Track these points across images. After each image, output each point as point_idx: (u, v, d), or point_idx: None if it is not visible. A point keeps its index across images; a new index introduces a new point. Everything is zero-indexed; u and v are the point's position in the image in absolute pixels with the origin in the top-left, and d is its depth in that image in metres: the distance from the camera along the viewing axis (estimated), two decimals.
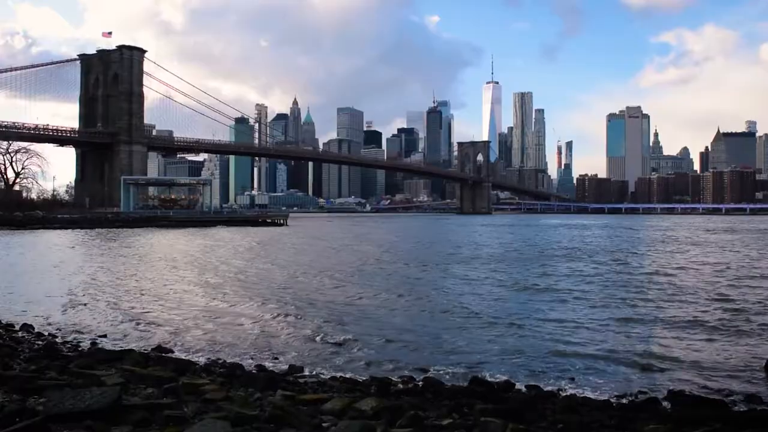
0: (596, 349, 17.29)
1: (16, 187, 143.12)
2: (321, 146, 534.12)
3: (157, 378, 11.59)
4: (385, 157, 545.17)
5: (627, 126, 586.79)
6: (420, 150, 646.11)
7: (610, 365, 15.55)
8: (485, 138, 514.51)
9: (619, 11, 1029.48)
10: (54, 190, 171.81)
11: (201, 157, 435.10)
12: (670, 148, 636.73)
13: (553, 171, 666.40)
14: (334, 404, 10.18)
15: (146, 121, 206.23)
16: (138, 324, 21.07)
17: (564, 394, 12.93)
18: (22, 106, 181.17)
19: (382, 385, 12.89)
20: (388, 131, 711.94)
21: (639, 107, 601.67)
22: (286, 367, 15.09)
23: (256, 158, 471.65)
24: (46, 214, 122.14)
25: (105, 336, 18.84)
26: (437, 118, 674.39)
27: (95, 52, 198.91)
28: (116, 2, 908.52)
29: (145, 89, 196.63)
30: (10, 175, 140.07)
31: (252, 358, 16.14)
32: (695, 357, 16.37)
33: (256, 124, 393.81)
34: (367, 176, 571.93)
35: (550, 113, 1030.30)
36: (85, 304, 25.35)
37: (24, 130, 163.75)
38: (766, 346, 17.47)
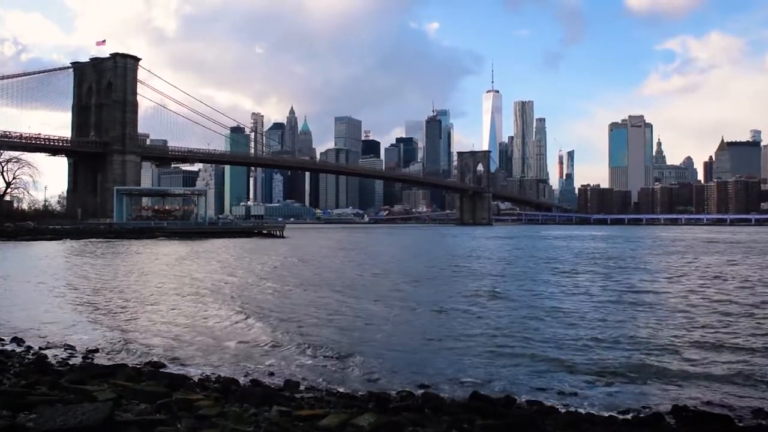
0: (599, 363, 17.27)
1: (7, 198, 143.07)
2: (318, 156, 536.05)
3: (150, 393, 11.56)
4: (384, 167, 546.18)
5: (630, 135, 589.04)
6: (419, 160, 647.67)
7: (613, 380, 15.53)
8: (485, 147, 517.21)
9: (623, 18, 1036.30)
10: (46, 201, 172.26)
11: (196, 167, 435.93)
12: (673, 158, 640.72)
13: (554, 181, 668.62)
14: (331, 420, 10.16)
15: (140, 130, 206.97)
16: (131, 338, 21.02)
17: (566, 410, 12.92)
18: (12, 114, 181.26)
19: (380, 400, 12.88)
20: (386, 141, 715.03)
21: (641, 116, 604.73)
22: (281, 382, 15.05)
23: (252, 168, 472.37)
24: (38, 224, 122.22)
25: (97, 350, 18.78)
26: (436, 127, 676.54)
27: (88, 60, 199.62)
28: (107, 9, 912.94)
29: (138, 98, 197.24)
30: (1, 185, 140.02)
31: (247, 374, 16.09)
32: (699, 371, 16.36)
33: (252, 134, 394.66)
34: (365, 187, 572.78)
35: (551, 122, 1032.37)
36: (76, 318, 25.30)
37: (15, 140, 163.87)
38: None
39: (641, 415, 12.60)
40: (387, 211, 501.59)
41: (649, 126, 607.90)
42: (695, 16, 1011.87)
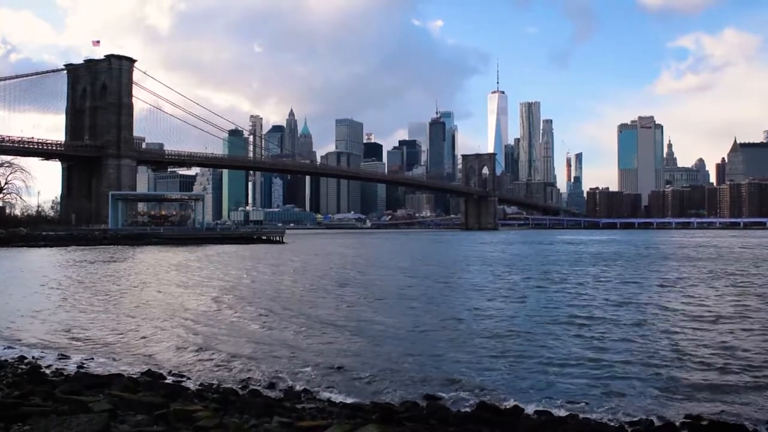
0: (609, 372, 17.23)
1: None
2: (319, 159, 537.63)
3: (147, 404, 11.56)
4: (386, 171, 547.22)
5: (639, 137, 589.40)
6: (422, 163, 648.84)
7: (624, 389, 15.48)
8: (491, 150, 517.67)
9: (635, 14, 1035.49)
10: (39, 206, 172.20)
11: (193, 171, 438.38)
12: (684, 160, 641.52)
13: (562, 184, 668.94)
14: (333, 431, 10.15)
15: (135, 133, 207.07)
16: (126, 347, 21.04)
17: (576, 420, 12.87)
18: (1, 117, 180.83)
19: (385, 411, 12.85)
20: (389, 143, 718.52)
21: (651, 117, 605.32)
22: (282, 392, 15.04)
23: (251, 172, 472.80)
24: (30, 231, 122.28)
25: (92, 359, 18.80)
26: (440, 129, 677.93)
27: (82, 61, 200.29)
28: (99, 7, 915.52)
29: (133, 100, 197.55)
30: None
31: (247, 384, 16.06)
32: (713, 380, 16.31)
33: (251, 137, 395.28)
34: (367, 191, 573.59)
35: (558, 124, 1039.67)
36: (70, 327, 25.28)
37: (7, 143, 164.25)
38: None
39: (653, 425, 12.56)
40: (389, 216, 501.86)
41: (660, 127, 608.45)
42: (709, 12, 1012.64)
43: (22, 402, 11.29)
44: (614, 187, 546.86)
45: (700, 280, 46.14)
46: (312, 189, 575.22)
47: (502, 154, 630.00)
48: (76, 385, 13.87)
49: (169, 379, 16.23)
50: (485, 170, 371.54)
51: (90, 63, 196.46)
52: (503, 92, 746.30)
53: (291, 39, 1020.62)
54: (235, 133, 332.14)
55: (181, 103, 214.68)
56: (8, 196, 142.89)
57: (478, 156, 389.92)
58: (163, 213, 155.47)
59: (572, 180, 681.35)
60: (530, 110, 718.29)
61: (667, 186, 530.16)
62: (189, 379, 16.57)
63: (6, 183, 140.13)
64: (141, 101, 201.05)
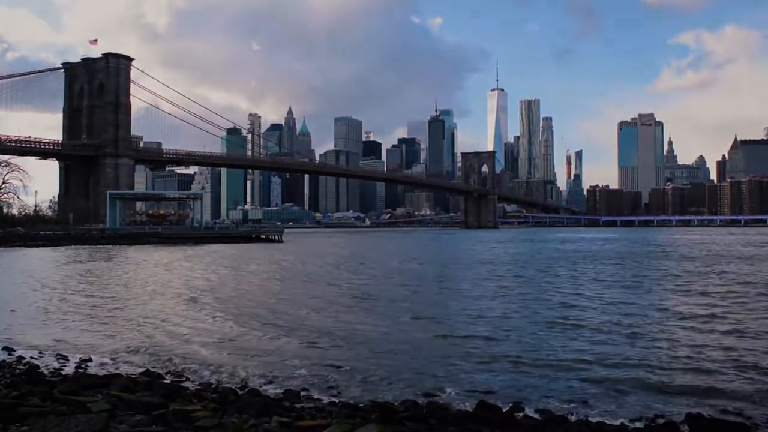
0: (610, 371, 17.23)
1: None
2: (317, 158, 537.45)
3: (146, 404, 11.58)
4: (385, 169, 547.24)
5: (639, 134, 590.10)
6: (422, 161, 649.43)
7: (626, 388, 15.48)
8: (490, 148, 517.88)
9: (636, 11, 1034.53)
10: (36, 206, 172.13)
11: (191, 170, 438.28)
12: (685, 157, 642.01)
13: (562, 182, 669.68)
14: (333, 431, 10.16)
15: (133, 132, 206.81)
16: (125, 347, 21.01)
17: (576, 419, 12.90)
18: None
19: (384, 410, 12.85)
20: (388, 142, 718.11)
21: (652, 114, 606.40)
22: (281, 391, 15.05)
23: (250, 171, 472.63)
24: (28, 230, 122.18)
25: (90, 360, 18.79)
26: (440, 127, 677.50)
27: (80, 60, 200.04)
28: (96, 5, 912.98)
29: (131, 98, 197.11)
30: None
31: (245, 383, 16.07)
32: (713, 380, 16.32)
33: (249, 135, 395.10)
34: (366, 189, 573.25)
35: (558, 121, 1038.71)
36: (68, 327, 25.29)
37: (5, 143, 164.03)
38: None
39: (655, 424, 12.58)
40: (389, 215, 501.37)
41: (660, 124, 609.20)
42: (710, 9, 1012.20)
43: (21, 402, 11.29)
44: (614, 185, 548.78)
45: (700, 279, 46.18)
46: (311, 188, 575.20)
47: (502, 152, 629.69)
48: (75, 386, 13.88)
49: (168, 379, 16.24)
50: (485, 168, 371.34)
51: (87, 61, 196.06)
52: (503, 90, 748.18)
53: (289, 37, 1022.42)
54: (233, 132, 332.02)
55: (179, 101, 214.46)
56: (6, 195, 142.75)
57: (477, 154, 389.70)
58: (162, 212, 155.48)
59: (572, 178, 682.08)
60: (530, 108, 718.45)
61: (667, 183, 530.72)
62: (188, 379, 16.58)
63: (3, 182, 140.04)
64: (139, 100, 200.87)
